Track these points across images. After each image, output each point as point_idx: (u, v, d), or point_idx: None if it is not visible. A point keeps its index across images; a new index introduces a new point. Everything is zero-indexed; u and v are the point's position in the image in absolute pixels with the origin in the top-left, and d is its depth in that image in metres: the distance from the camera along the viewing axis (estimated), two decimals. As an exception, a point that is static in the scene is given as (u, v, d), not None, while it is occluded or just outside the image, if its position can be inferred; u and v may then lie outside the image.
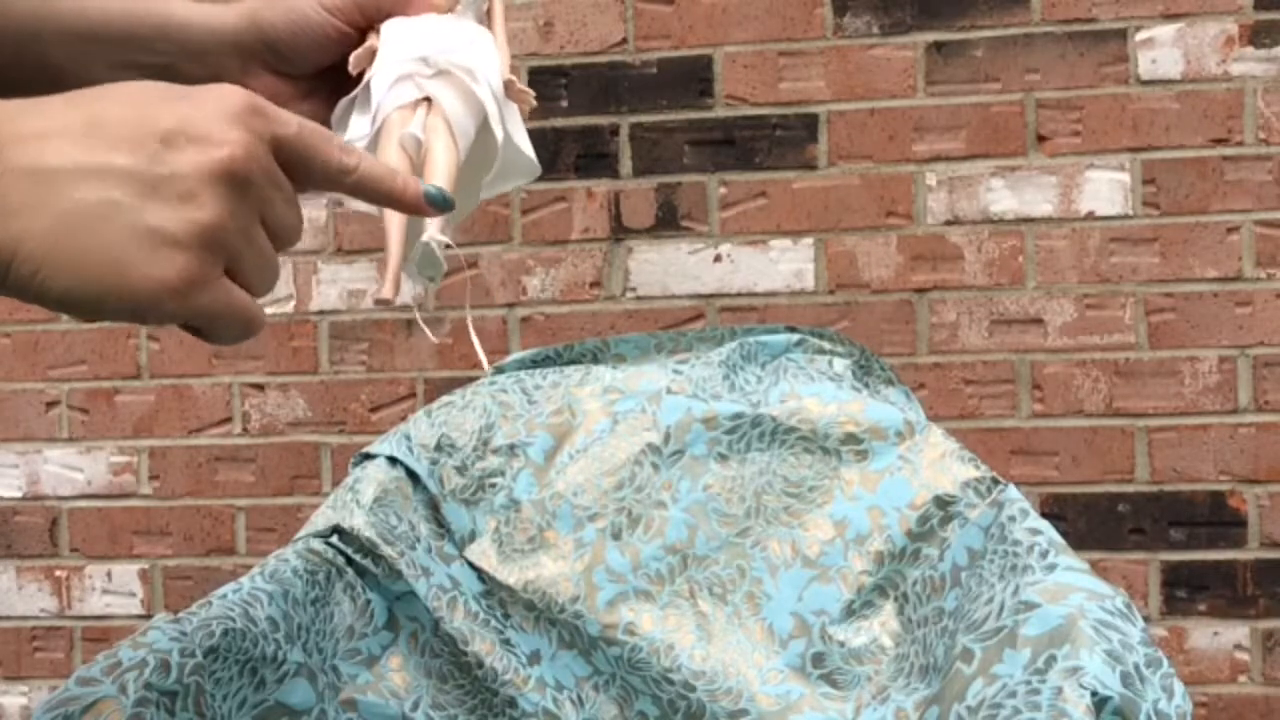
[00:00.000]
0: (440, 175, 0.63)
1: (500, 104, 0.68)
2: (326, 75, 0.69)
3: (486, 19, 0.71)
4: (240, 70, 0.67)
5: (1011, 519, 0.92)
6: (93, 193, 0.43)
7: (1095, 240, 1.57)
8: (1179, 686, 0.70)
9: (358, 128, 0.66)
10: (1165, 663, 0.72)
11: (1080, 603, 0.75)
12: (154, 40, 0.65)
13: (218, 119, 0.46)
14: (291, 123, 0.49)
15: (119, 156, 0.44)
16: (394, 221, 0.61)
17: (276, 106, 0.49)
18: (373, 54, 0.67)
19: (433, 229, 0.65)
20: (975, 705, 0.72)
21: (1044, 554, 0.85)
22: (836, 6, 1.62)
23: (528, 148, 0.70)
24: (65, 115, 0.44)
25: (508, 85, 0.68)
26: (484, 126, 0.68)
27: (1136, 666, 0.71)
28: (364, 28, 0.69)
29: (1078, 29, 1.58)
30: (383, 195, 0.53)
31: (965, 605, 0.88)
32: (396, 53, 0.66)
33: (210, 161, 0.45)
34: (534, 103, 0.70)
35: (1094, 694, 0.68)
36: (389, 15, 0.68)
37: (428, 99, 0.66)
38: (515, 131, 0.69)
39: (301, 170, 0.50)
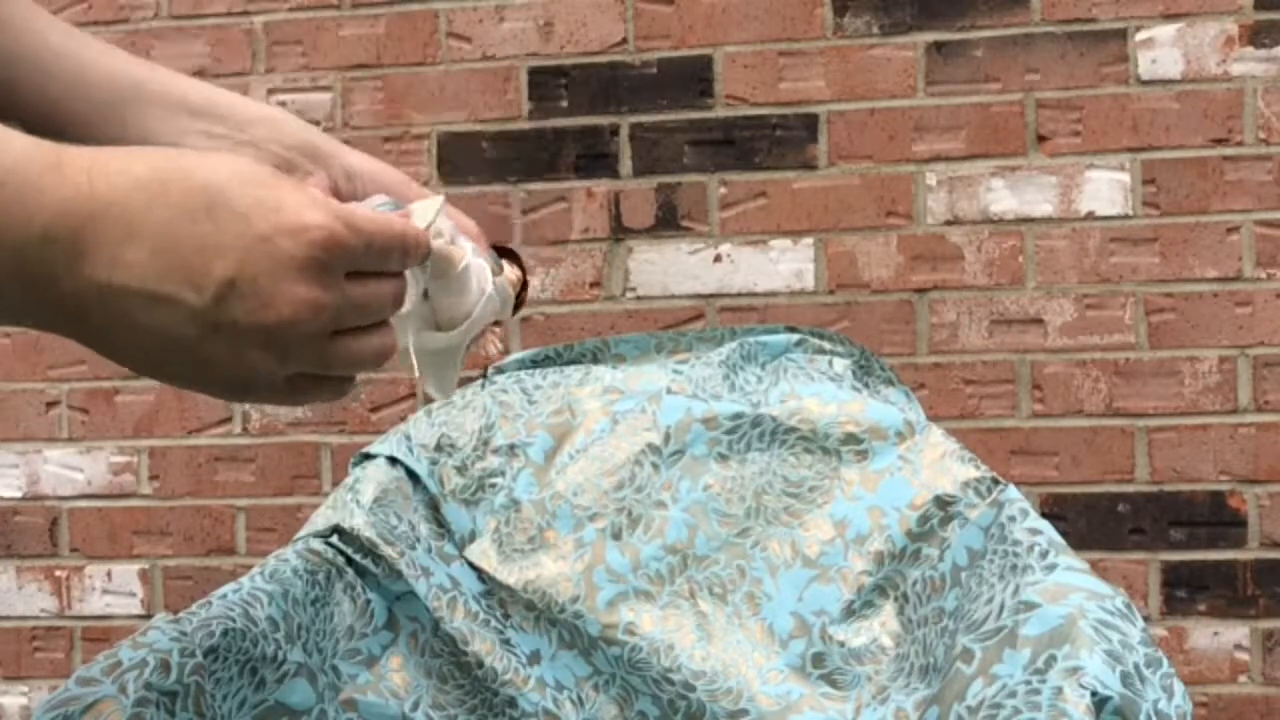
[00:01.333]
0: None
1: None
2: None
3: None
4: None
5: (1011, 519, 0.92)
6: (158, 321, 0.47)
7: (1095, 240, 1.57)
8: (1179, 686, 0.70)
9: None
10: (1165, 662, 0.72)
11: (1080, 603, 0.75)
12: (226, 115, 0.70)
13: (279, 274, 0.48)
14: (358, 241, 0.51)
15: (185, 292, 0.47)
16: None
17: (341, 217, 0.51)
18: None
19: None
20: (975, 705, 0.72)
21: (1044, 554, 0.85)
22: (836, 6, 1.62)
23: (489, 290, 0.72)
24: (144, 221, 0.47)
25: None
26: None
27: (1136, 666, 0.71)
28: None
29: (1078, 29, 1.58)
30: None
31: (965, 605, 0.88)
32: None
33: (261, 323, 0.48)
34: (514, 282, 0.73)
35: (1094, 694, 0.68)
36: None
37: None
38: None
39: (386, 264, 0.54)
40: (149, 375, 0.51)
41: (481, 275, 0.70)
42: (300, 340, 0.50)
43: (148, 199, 0.47)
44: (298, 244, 0.49)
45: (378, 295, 0.53)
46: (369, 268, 0.52)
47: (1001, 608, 0.80)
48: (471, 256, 0.69)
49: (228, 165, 0.49)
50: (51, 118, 0.68)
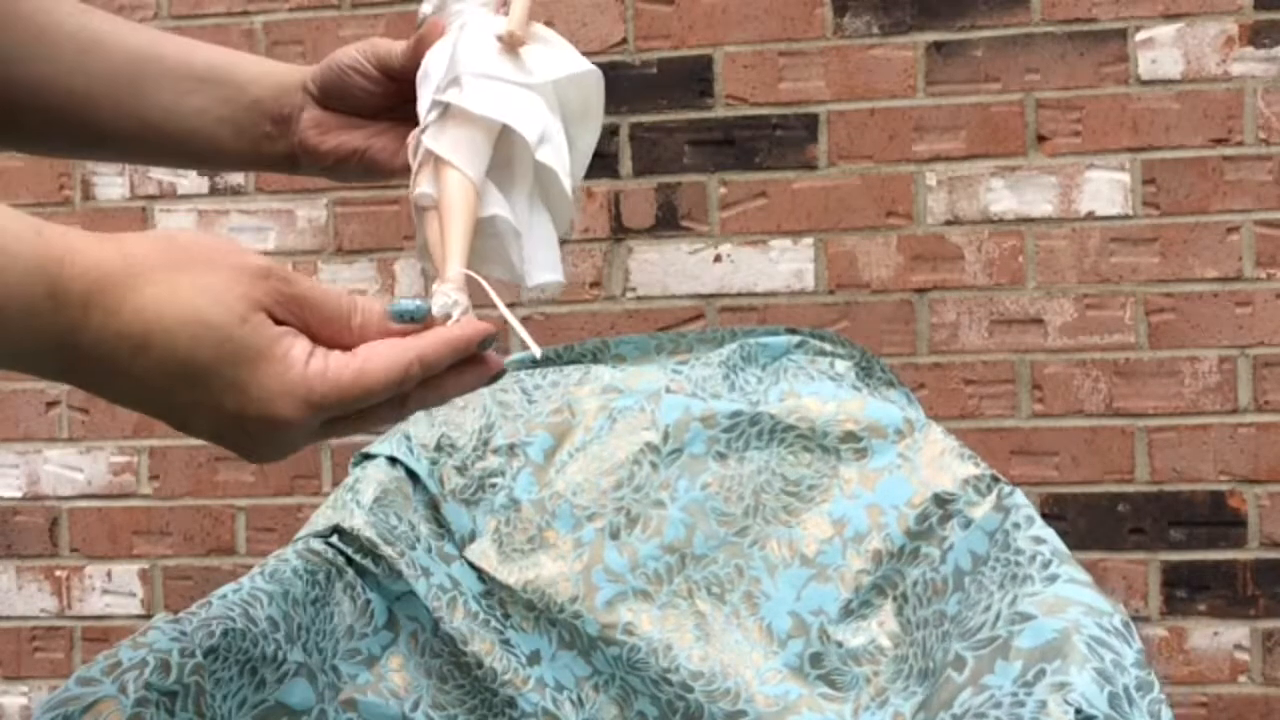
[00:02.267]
0: (451, 241, 0.65)
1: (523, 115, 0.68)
2: (394, 110, 0.77)
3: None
4: (312, 109, 0.77)
5: (1016, 526, 0.92)
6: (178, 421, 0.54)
7: (1095, 240, 1.57)
8: (1167, 714, 0.70)
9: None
10: (1156, 688, 0.71)
11: (1077, 617, 0.75)
12: (238, 85, 0.76)
13: (258, 436, 0.55)
14: (336, 406, 0.56)
15: (182, 425, 0.53)
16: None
17: (313, 402, 0.55)
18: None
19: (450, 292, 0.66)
20: (961, 714, 0.72)
21: (1045, 564, 0.84)
22: (836, 6, 1.62)
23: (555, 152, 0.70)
24: (129, 369, 0.51)
25: (507, 37, 0.69)
26: (505, 136, 0.69)
27: (1126, 689, 0.70)
28: (403, 77, 0.74)
29: (1078, 29, 1.58)
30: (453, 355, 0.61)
31: (965, 611, 0.88)
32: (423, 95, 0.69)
33: (265, 440, 0.56)
34: (520, 38, 0.69)
35: (1079, 711, 0.68)
36: (405, 67, 0.74)
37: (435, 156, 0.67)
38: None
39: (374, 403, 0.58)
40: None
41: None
42: (300, 440, 0.56)
43: (131, 351, 0.51)
44: (271, 427, 0.54)
45: (363, 424, 0.58)
46: (354, 410, 0.57)
47: (998, 617, 0.80)
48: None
49: (213, 335, 0.52)
50: (69, 93, 0.72)
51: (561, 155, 0.69)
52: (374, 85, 0.76)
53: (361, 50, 0.75)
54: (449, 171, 0.66)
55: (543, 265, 0.70)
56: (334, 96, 0.76)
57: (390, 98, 0.76)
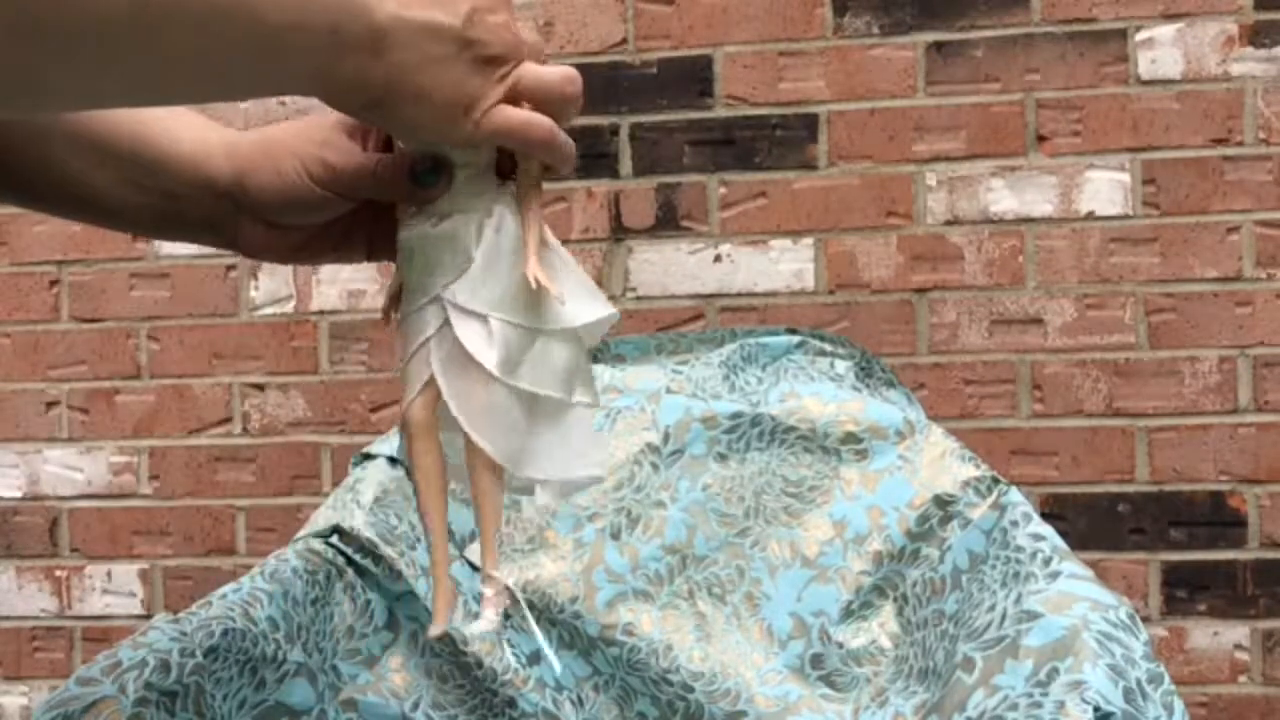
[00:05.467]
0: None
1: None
2: (326, 230, 0.70)
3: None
4: (233, 217, 0.69)
5: (1014, 523, 0.92)
6: (429, 46, 0.57)
7: (1095, 240, 1.57)
8: (1179, 705, 0.70)
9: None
10: (1166, 679, 0.71)
11: (1084, 613, 0.75)
12: (153, 169, 0.69)
13: (498, 6, 0.60)
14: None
15: (447, 18, 0.58)
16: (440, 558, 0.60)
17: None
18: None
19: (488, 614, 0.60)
20: (976, 716, 0.72)
21: (1047, 561, 0.84)
22: (836, 6, 1.62)
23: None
24: None
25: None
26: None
27: (1139, 682, 0.71)
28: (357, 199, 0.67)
29: (1078, 29, 1.58)
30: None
31: (966, 611, 0.88)
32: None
33: (498, 35, 0.59)
34: (560, 297, 0.62)
35: (1096, 709, 0.68)
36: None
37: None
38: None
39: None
40: (412, 106, 0.58)
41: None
42: (514, 43, 0.60)
43: None
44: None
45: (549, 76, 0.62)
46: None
47: (1004, 616, 0.80)
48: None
49: None
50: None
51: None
52: (322, 206, 0.67)
53: (303, 163, 0.66)
54: (479, 453, 0.59)
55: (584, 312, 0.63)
56: (281, 219, 0.68)
57: (327, 217, 0.69)
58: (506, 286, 0.60)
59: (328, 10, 0.54)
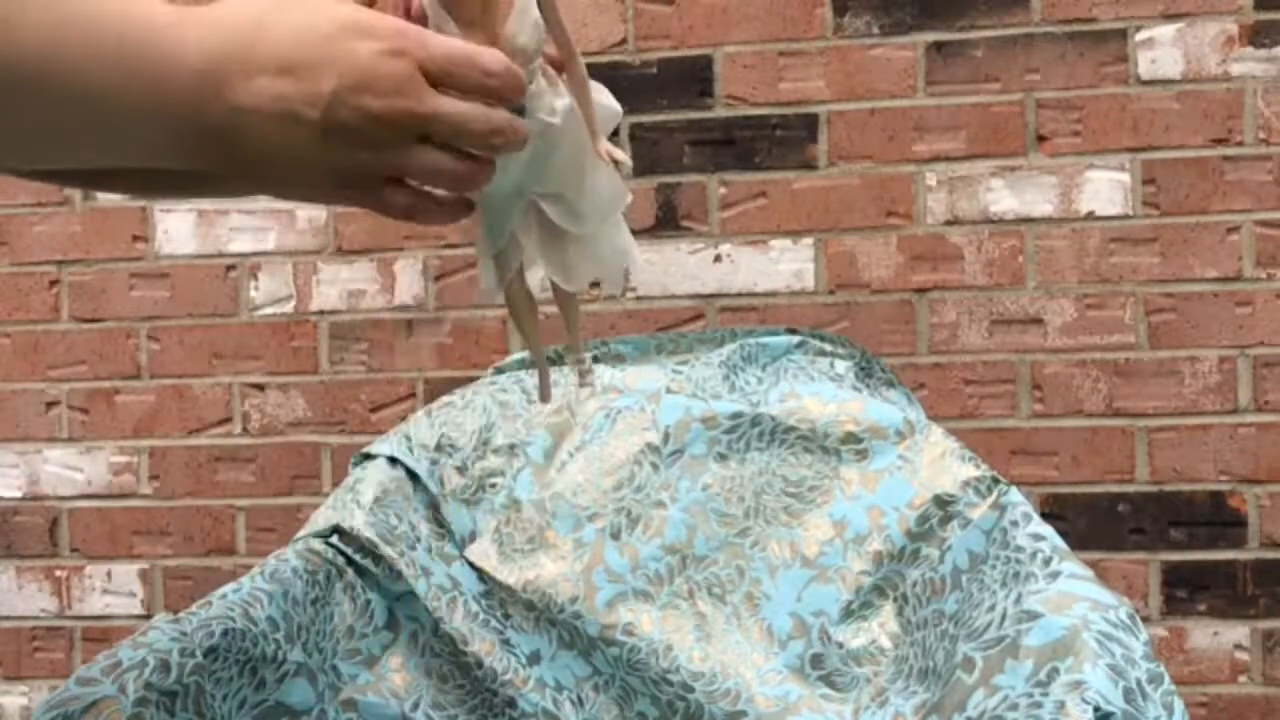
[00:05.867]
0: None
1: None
2: None
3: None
4: None
5: (1014, 523, 0.92)
6: (285, 136, 0.55)
7: (1095, 240, 1.57)
8: (1179, 704, 0.70)
9: None
10: (1166, 679, 0.72)
11: (1084, 613, 0.75)
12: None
13: (371, 67, 0.56)
14: (437, 53, 0.58)
15: (304, 109, 0.55)
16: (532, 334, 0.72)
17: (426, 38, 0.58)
18: None
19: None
20: (976, 716, 0.72)
21: (1047, 561, 0.84)
22: (836, 6, 1.62)
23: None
24: (263, 54, 0.55)
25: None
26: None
27: (1139, 682, 0.71)
28: None
29: (1078, 29, 1.58)
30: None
31: (966, 611, 0.88)
32: None
33: (365, 112, 0.56)
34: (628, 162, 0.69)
35: (1096, 709, 0.68)
36: None
37: None
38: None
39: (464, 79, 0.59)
40: (277, 189, 0.59)
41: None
42: (395, 131, 0.56)
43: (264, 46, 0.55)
44: (379, 39, 0.56)
45: (462, 112, 0.58)
46: (449, 80, 0.58)
47: (1004, 616, 0.80)
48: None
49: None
50: None
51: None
52: None
53: None
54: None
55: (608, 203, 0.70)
56: None
57: None
58: (569, 162, 0.66)
59: (167, 101, 0.54)
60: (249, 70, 0.55)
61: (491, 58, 0.58)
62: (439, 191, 0.62)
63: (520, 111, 0.61)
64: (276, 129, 0.55)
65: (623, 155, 0.68)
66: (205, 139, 0.55)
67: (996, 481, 0.99)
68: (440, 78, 0.57)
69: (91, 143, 0.54)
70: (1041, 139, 1.58)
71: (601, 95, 0.68)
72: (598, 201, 0.67)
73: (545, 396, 0.74)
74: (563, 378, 1.15)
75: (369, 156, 0.57)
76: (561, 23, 0.64)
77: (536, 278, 0.73)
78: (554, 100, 0.63)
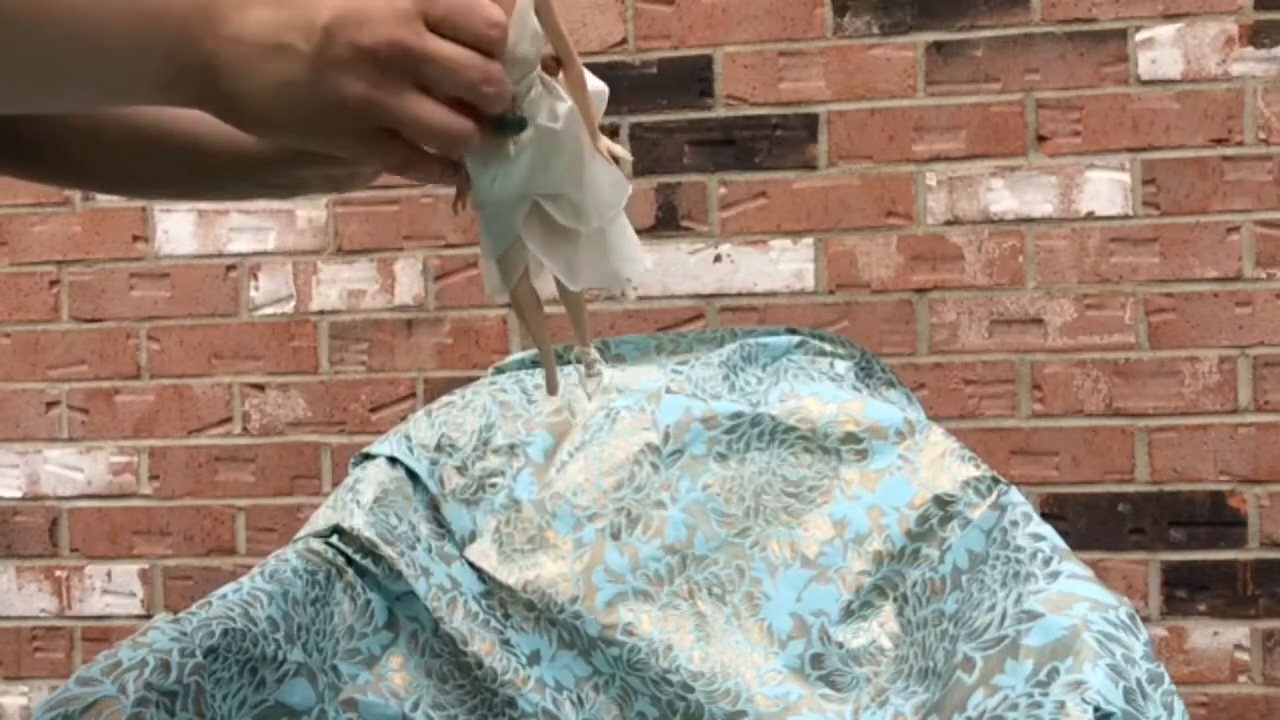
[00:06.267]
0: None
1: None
2: None
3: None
4: (280, 166, 0.74)
5: (1014, 523, 0.92)
6: (278, 69, 0.54)
7: (1095, 240, 1.57)
8: (1179, 705, 0.70)
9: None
10: (1166, 679, 0.71)
11: (1084, 613, 0.75)
12: (213, 152, 0.74)
13: (369, 8, 0.55)
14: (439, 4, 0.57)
15: (297, 40, 0.54)
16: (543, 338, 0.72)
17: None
18: None
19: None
20: (976, 716, 0.72)
21: (1047, 561, 0.84)
22: (836, 6, 1.62)
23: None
24: None
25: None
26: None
27: (1139, 682, 0.71)
28: None
29: (1078, 29, 1.58)
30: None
31: (966, 611, 0.88)
32: None
33: (358, 46, 0.55)
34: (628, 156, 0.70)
35: (1096, 709, 0.68)
36: None
37: None
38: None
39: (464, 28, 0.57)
40: (263, 128, 0.57)
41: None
42: (389, 68, 0.55)
43: None
44: None
45: (458, 56, 0.56)
46: (449, 29, 0.57)
47: (1004, 616, 0.80)
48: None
49: None
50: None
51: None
52: None
53: None
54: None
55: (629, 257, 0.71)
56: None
57: None
58: (570, 162, 0.66)
59: (161, 33, 0.53)
60: (244, 2, 0.54)
61: (494, 10, 0.57)
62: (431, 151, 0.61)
63: (521, 124, 0.61)
64: (268, 61, 0.54)
65: (622, 151, 0.68)
66: (197, 72, 0.54)
67: (996, 481, 0.99)
68: (440, 23, 0.56)
69: (82, 80, 0.54)
70: (1041, 139, 1.58)
71: (589, 81, 0.68)
72: (599, 196, 0.67)
73: (552, 389, 0.75)
74: (564, 378, 1.15)
75: (361, 93, 0.55)
76: (559, 26, 0.64)
77: (547, 285, 0.73)
78: (555, 104, 0.63)
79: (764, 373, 1.14)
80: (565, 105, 0.64)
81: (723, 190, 1.64)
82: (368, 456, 1.10)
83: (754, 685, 0.98)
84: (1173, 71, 1.56)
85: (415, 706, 0.97)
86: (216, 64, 0.54)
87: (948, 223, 1.60)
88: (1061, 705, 0.68)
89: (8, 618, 1.79)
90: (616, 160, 0.68)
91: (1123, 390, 1.57)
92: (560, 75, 0.66)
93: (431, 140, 0.58)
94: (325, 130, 0.57)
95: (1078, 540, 1.56)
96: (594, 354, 0.76)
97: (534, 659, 1.02)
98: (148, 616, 1.75)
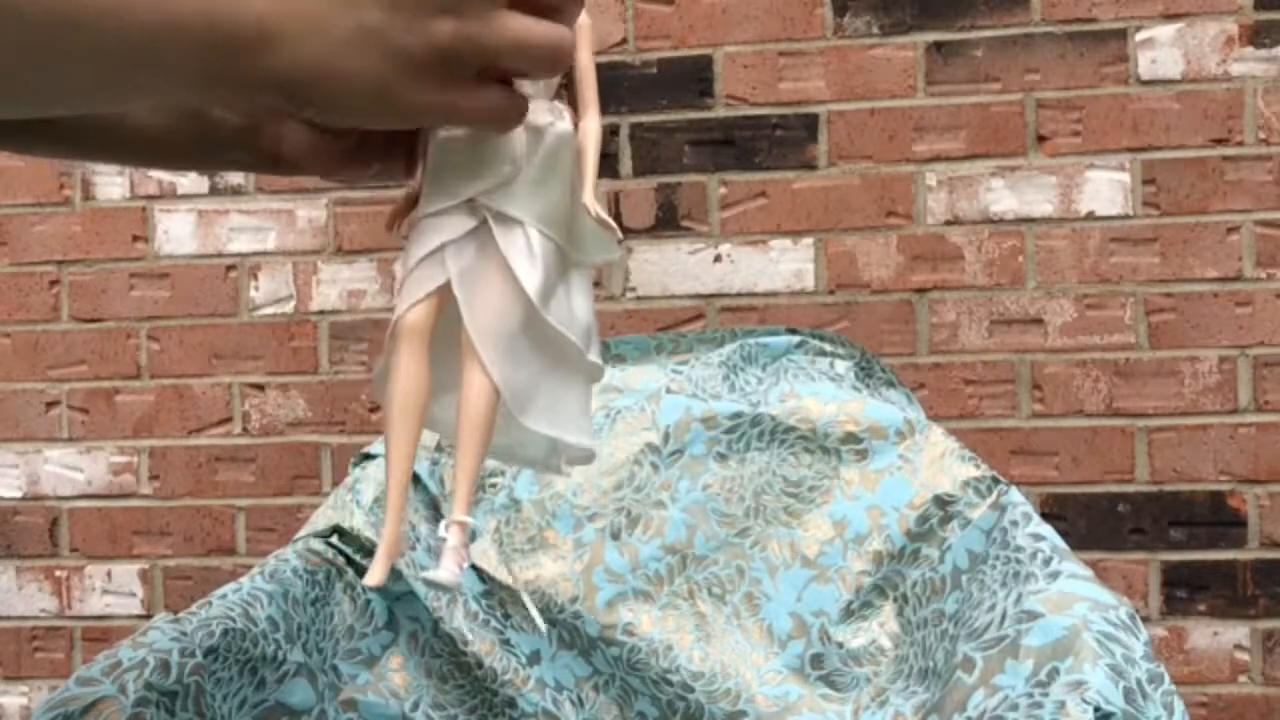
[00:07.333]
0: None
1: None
2: (371, 135, 0.65)
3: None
4: (275, 124, 0.66)
5: (1014, 523, 0.92)
6: (352, 19, 0.48)
7: (1095, 240, 1.57)
8: (1179, 705, 0.70)
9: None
10: (1166, 679, 0.71)
11: (1084, 613, 0.75)
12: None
13: None
14: None
15: None
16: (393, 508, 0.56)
17: None
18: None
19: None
20: (976, 716, 0.72)
21: (1047, 561, 0.84)
22: (836, 6, 1.62)
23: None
24: None
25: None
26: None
27: (1139, 682, 0.71)
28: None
29: (1078, 29, 1.58)
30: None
31: (966, 611, 0.88)
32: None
33: None
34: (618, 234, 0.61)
35: (1097, 709, 0.68)
36: None
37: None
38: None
39: None
40: (326, 99, 0.50)
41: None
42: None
43: None
44: None
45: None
46: None
47: (1004, 616, 0.80)
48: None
49: None
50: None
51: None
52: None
53: None
54: (478, 378, 0.55)
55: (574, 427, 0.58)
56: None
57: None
58: (551, 208, 0.57)
59: (203, 4, 0.47)
60: None
61: None
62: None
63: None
64: (340, 14, 0.48)
65: (611, 222, 0.59)
66: (245, 43, 0.48)
67: (996, 481, 0.99)
68: None
69: (96, 72, 0.47)
70: (1041, 139, 1.58)
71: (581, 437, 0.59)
72: (593, 237, 0.60)
73: (375, 568, 0.62)
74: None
75: (451, 30, 0.49)
76: (590, 63, 0.59)
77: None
78: (558, 123, 0.59)
79: (764, 373, 1.14)
80: (565, 126, 0.58)
81: (723, 190, 1.64)
82: (368, 456, 1.10)
83: (754, 685, 0.98)
84: (1173, 71, 1.56)
85: (415, 706, 0.97)
86: (271, 28, 0.48)
87: (948, 223, 1.60)
88: (1062, 705, 0.68)
89: (8, 618, 1.78)
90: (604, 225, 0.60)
91: (1123, 390, 1.57)
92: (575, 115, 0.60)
93: (537, 56, 0.52)
94: (406, 88, 0.50)
95: (1078, 540, 1.56)
96: (466, 524, 0.58)
97: (534, 659, 1.02)
98: (148, 616, 1.75)
